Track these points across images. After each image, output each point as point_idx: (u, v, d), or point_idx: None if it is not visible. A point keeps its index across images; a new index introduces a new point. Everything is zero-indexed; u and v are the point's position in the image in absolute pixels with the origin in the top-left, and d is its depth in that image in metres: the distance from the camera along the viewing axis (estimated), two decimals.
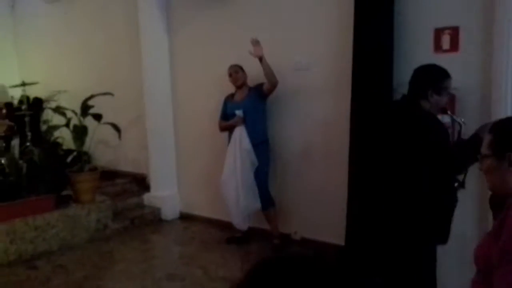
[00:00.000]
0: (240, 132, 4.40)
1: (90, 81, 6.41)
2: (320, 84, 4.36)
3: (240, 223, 4.57)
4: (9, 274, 4.15)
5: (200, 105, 5.36)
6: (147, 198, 5.81)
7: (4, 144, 5.11)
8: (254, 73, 4.51)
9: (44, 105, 6.32)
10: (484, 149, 1.62)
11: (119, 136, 5.31)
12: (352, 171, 3.97)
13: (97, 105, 5.15)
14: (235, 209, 4.48)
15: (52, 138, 5.38)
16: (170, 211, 5.69)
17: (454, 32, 3.50)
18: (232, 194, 4.44)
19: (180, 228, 5.47)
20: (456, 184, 2.72)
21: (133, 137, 6.04)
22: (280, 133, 4.65)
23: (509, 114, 3.06)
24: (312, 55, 4.37)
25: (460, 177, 2.75)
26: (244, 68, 4.55)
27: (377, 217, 2.90)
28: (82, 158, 5.10)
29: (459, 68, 3.28)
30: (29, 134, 5.45)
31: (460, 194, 2.75)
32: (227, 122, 4.56)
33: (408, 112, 2.64)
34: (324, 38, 4.29)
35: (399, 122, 2.67)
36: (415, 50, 3.70)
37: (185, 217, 5.68)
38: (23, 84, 5.69)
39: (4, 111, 5.91)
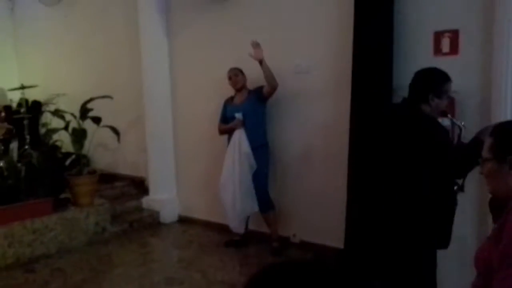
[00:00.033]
0: (240, 135, 4.39)
1: (89, 84, 6.40)
2: (320, 87, 4.35)
3: (237, 226, 4.55)
4: (7, 277, 4.13)
5: (200, 108, 5.35)
6: (145, 201, 5.79)
7: (2, 147, 5.09)
8: (254, 76, 4.50)
9: (43, 108, 6.31)
10: (485, 153, 1.61)
11: (118, 139, 5.30)
12: (352, 174, 3.96)
13: (96, 108, 5.14)
14: (232, 212, 4.47)
15: (51, 141, 5.36)
16: (168, 214, 5.67)
17: (454, 35, 3.50)
18: (229, 197, 4.43)
19: (178, 231, 5.46)
20: (455, 188, 2.71)
21: (132, 140, 6.03)
22: (280, 136, 4.64)
23: (509, 117, 3.06)
24: (312, 58, 4.36)
25: (459, 181, 2.75)
26: (244, 71, 4.55)
27: (377, 220, 2.89)
28: (81, 161, 5.08)
29: (459, 71, 3.27)
30: (27, 137, 5.43)
31: (460, 198, 2.75)
32: (226, 125, 4.55)
33: (409, 115, 2.63)
34: (323, 41, 4.29)
35: (400, 125, 2.66)
36: (415, 53, 3.70)
37: (183, 220, 5.66)
38: (22, 87, 5.68)
39: (2, 114, 5.90)
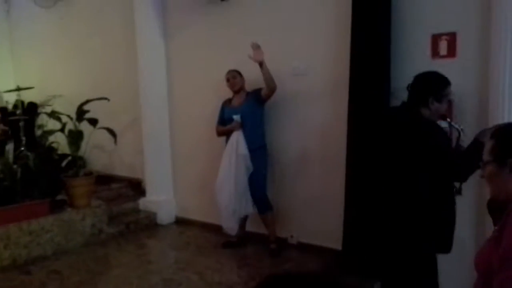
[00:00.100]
0: (237, 137, 4.39)
1: (85, 86, 6.39)
2: (318, 89, 4.36)
3: (230, 227, 4.55)
4: (3, 279, 4.10)
5: (196, 110, 5.35)
6: (142, 202, 5.78)
7: None
8: (252, 78, 4.52)
9: (39, 109, 6.28)
10: (486, 155, 1.61)
11: (115, 141, 5.29)
12: (350, 176, 3.97)
13: (93, 110, 5.14)
14: (226, 213, 4.47)
15: (47, 143, 5.34)
16: (165, 215, 5.66)
17: (452, 37, 3.52)
18: (224, 198, 4.43)
19: (175, 232, 5.45)
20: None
21: (128, 141, 6.03)
22: (278, 138, 4.65)
23: (506, 119, 3.08)
24: (310, 60, 4.37)
25: (457, 184, 2.76)
26: (242, 72, 4.56)
27: (376, 223, 2.89)
28: (77, 163, 5.07)
29: (457, 73, 3.28)
30: (23, 139, 5.40)
31: (458, 201, 2.76)
32: (224, 127, 4.55)
33: (409, 118, 2.64)
34: (322, 43, 4.30)
35: (400, 129, 2.66)
36: (412, 56, 3.71)
37: (180, 222, 5.65)
38: (18, 89, 5.65)
39: None
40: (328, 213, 4.32)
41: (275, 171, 4.69)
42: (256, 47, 4.13)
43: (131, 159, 6.20)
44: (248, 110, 4.42)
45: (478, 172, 1.73)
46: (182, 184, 5.71)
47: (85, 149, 5.12)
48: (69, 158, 5.18)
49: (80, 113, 5.11)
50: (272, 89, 4.27)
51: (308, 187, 4.52)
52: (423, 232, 2.55)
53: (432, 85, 2.64)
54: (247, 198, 4.45)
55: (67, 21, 6.94)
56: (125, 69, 6.03)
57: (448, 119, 2.90)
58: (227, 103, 4.65)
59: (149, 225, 5.53)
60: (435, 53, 3.60)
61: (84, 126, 5.10)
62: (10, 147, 5.26)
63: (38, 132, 5.83)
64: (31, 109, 6.29)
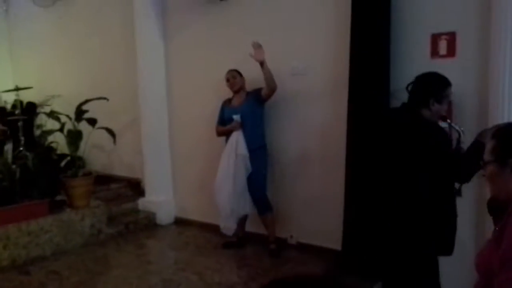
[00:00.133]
0: (237, 137, 4.38)
1: (84, 85, 6.38)
2: (318, 88, 4.36)
3: (227, 227, 4.54)
4: (2, 280, 4.09)
5: (196, 110, 5.34)
6: (141, 203, 5.77)
7: None
8: (251, 78, 4.51)
9: (38, 109, 6.27)
10: (487, 155, 1.61)
11: (114, 141, 5.28)
12: (349, 176, 3.96)
13: (92, 110, 5.13)
14: (224, 212, 4.46)
15: (46, 143, 5.33)
16: (165, 216, 5.65)
17: (451, 37, 3.51)
18: (223, 198, 4.42)
19: (175, 233, 5.44)
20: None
21: (128, 141, 6.02)
22: (277, 138, 4.64)
23: (506, 119, 3.07)
24: (310, 60, 4.36)
25: (457, 185, 2.75)
26: (241, 72, 4.54)
27: (376, 223, 2.88)
28: (76, 163, 5.06)
29: (456, 73, 3.27)
30: (22, 138, 5.40)
31: (458, 201, 2.75)
32: (224, 127, 4.54)
33: (409, 120, 2.62)
34: (321, 43, 4.30)
35: (400, 130, 2.65)
36: (412, 56, 3.71)
37: (180, 222, 5.65)
38: (17, 89, 5.64)
39: None
40: (328, 213, 4.32)
41: (274, 171, 4.68)
42: (257, 46, 4.11)
43: (130, 159, 6.19)
44: (248, 110, 4.41)
45: (479, 172, 1.72)
46: (181, 184, 5.70)
47: (84, 149, 5.12)
48: (68, 158, 5.18)
49: (79, 113, 5.10)
50: (272, 88, 4.26)
51: (307, 187, 4.51)
52: (424, 233, 2.55)
53: (433, 86, 2.63)
54: (245, 198, 4.44)
55: (66, 21, 6.93)
56: (124, 68, 6.02)
57: (448, 120, 2.89)
58: (227, 103, 4.64)
59: (148, 225, 5.52)
60: (434, 52, 3.59)
61: (83, 126, 5.09)
62: (9, 147, 5.24)
63: (37, 132, 5.83)
64: (30, 109, 6.29)
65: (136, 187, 6.02)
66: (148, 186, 5.77)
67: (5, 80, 7.15)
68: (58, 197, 5.00)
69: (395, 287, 2.82)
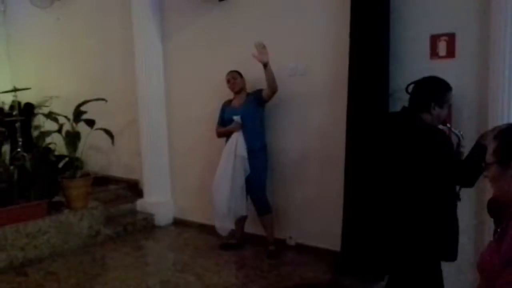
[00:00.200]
0: (237, 138, 4.37)
1: (83, 86, 6.37)
2: (317, 89, 4.35)
3: (223, 227, 4.54)
4: None
5: (194, 111, 5.33)
6: (140, 204, 5.75)
7: None
8: (251, 79, 4.51)
9: (36, 110, 6.26)
10: (489, 157, 1.60)
11: (112, 142, 5.26)
12: (348, 177, 3.95)
13: (90, 111, 5.11)
14: (221, 212, 4.45)
15: (44, 144, 5.31)
16: (163, 217, 5.63)
17: (451, 38, 3.51)
18: (221, 197, 4.41)
19: (173, 234, 5.42)
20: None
21: (126, 142, 6.00)
22: (276, 139, 4.63)
23: (506, 120, 3.06)
24: (309, 60, 4.36)
25: (456, 189, 2.74)
26: (241, 73, 4.54)
27: (375, 225, 2.87)
28: (74, 164, 5.04)
29: (455, 74, 3.29)
30: (20, 140, 5.38)
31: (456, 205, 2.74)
32: (224, 127, 4.53)
33: (411, 124, 2.61)
34: (320, 44, 4.29)
35: (401, 135, 2.63)
36: (411, 56, 3.70)
37: (178, 223, 5.63)
38: (15, 90, 5.63)
39: None
40: (327, 215, 4.31)
41: (273, 171, 4.67)
42: (261, 47, 4.06)
43: (128, 160, 6.18)
44: (249, 111, 4.40)
45: (484, 173, 1.71)
46: (180, 185, 5.69)
47: (82, 150, 5.10)
48: (66, 159, 5.15)
49: (77, 114, 5.09)
50: (273, 90, 4.24)
51: (306, 188, 4.51)
52: (423, 235, 2.53)
53: (434, 91, 2.61)
54: (242, 199, 4.44)
55: (64, 22, 6.91)
56: (123, 69, 6.01)
57: (448, 125, 2.88)
58: (227, 103, 4.63)
59: (146, 226, 5.51)
60: (434, 53, 3.59)
61: (82, 127, 5.08)
62: (6, 148, 5.24)
63: (35, 133, 5.82)
64: (28, 110, 6.29)
65: (134, 188, 6.01)
66: (146, 187, 5.75)
67: (3, 81, 7.13)
68: (56, 198, 4.98)
69: None
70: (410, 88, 2.70)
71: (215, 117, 4.69)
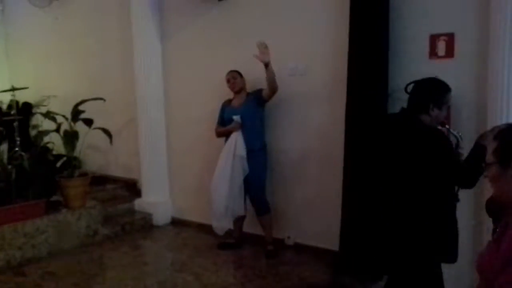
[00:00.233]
0: (236, 138, 4.36)
1: (81, 86, 6.35)
2: (316, 89, 4.34)
3: (220, 226, 4.53)
4: None
5: (193, 111, 5.32)
6: (138, 203, 5.74)
7: None
8: (250, 78, 4.51)
9: (34, 110, 6.24)
10: (489, 157, 1.60)
11: (111, 141, 5.25)
12: (347, 177, 3.95)
13: (88, 110, 5.10)
14: (218, 211, 4.45)
15: (42, 143, 5.30)
16: (161, 216, 5.62)
17: (450, 38, 3.51)
18: (219, 196, 4.41)
19: (171, 234, 5.41)
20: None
21: (124, 142, 5.98)
22: (276, 139, 4.62)
23: (505, 119, 3.06)
24: (309, 60, 4.35)
25: (454, 190, 2.73)
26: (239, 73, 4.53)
27: (374, 225, 2.87)
28: (72, 163, 5.03)
29: (454, 74, 3.29)
30: (18, 139, 5.37)
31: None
32: (224, 127, 4.52)
33: (410, 126, 2.60)
34: (320, 44, 4.28)
35: (401, 136, 2.62)
36: (410, 56, 3.71)
37: (176, 223, 5.62)
38: (13, 89, 5.61)
39: None
40: (326, 214, 4.31)
41: (273, 172, 4.66)
42: (263, 47, 4.04)
43: (126, 159, 6.17)
44: (249, 111, 4.38)
45: (485, 173, 1.70)
46: (178, 185, 5.68)
47: (80, 149, 5.09)
48: (64, 158, 5.14)
49: (76, 113, 5.07)
50: (273, 90, 4.23)
51: (305, 188, 4.50)
52: (423, 238, 2.52)
53: (433, 92, 2.61)
54: (241, 199, 4.43)
55: (62, 21, 6.89)
56: (121, 69, 6.00)
57: (447, 126, 2.88)
58: (227, 103, 4.61)
59: (144, 226, 5.49)
60: (433, 53, 3.59)
61: (80, 127, 5.06)
62: (4, 147, 5.22)
63: (33, 133, 5.80)
64: (26, 109, 6.27)
65: (132, 188, 6.00)
66: (144, 187, 5.74)
67: (1, 80, 7.12)
68: (54, 198, 4.97)
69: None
70: (409, 88, 2.70)
71: (214, 117, 4.68)
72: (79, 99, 5.17)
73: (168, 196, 5.75)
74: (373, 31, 3.71)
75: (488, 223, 1.99)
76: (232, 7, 4.88)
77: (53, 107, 5.71)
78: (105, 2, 6.27)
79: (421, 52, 3.64)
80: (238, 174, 4.37)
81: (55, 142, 5.39)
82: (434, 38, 3.58)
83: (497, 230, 1.61)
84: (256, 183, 4.42)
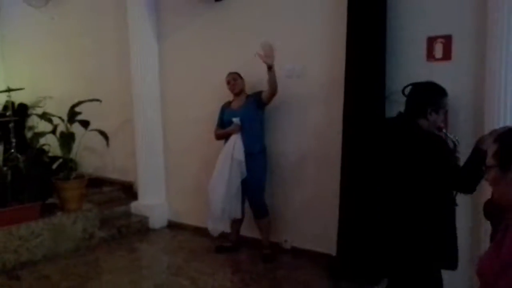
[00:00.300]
0: (235, 140, 4.33)
1: (77, 87, 6.33)
2: (313, 91, 4.32)
3: (215, 228, 4.51)
4: None
5: (190, 112, 5.30)
6: (134, 206, 5.71)
7: None
8: (248, 80, 4.50)
9: (30, 111, 6.21)
10: (489, 160, 1.59)
11: (107, 143, 5.23)
12: (345, 181, 3.93)
13: (85, 112, 5.08)
14: (215, 213, 4.42)
15: (38, 145, 5.27)
16: (158, 219, 5.60)
17: (447, 40, 3.50)
18: (216, 198, 4.38)
19: (168, 237, 5.39)
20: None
21: (121, 144, 5.96)
22: (275, 141, 4.59)
23: (502, 122, 3.05)
24: (306, 61, 4.33)
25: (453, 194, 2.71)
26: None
27: (371, 230, 2.85)
28: (69, 165, 5.00)
29: (452, 76, 3.28)
30: (13, 140, 5.33)
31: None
32: (223, 129, 4.49)
33: (408, 130, 2.58)
34: (317, 45, 4.26)
35: (399, 140, 2.61)
36: (407, 58, 3.69)
37: (173, 226, 5.60)
38: (8, 90, 5.58)
39: None
40: (323, 218, 4.29)
41: (272, 174, 4.62)
42: (268, 48, 3.98)
43: (123, 162, 6.14)
44: (248, 113, 4.35)
45: (485, 176, 1.68)
46: (174, 187, 5.66)
47: (77, 151, 5.06)
48: (60, 160, 5.11)
49: (72, 114, 5.05)
50: (273, 92, 4.20)
51: (302, 191, 4.48)
52: (422, 243, 2.50)
53: (430, 96, 2.59)
54: (238, 202, 4.41)
55: (58, 21, 6.87)
56: (118, 70, 5.98)
57: (444, 130, 2.87)
58: (227, 105, 4.58)
59: (141, 229, 5.47)
60: (430, 55, 3.58)
61: (76, 128, 5.04)
62: (0, 149, 5.19)
63: (29, 134, 5.77)
64: (22, 111, 6.24)
65: (129, 190, 5.97)
66: (141, 189, 5.71)
67: None
68: (50, 200, 4.94)
69: None
70: (407, 91, 2.69)
71: (212, 118, 4.65)
72: (75, 100, 5.15)
73: (164, 199, 5.72)
74: (371, 33, 3.70)
75: (486, 225, 1.97)
76: (228, 8, 4.85)
77: (49, 108, 5.69)
78: (101, 2, 6.24)
79: (419, 54, 3.63)
80: (236, 176, 4.34)
81: (51, 144, 5.36)
82: (431, 40, 3.56)
83: (497, 233, 1.59)
84: (256, 186, 4.39)
